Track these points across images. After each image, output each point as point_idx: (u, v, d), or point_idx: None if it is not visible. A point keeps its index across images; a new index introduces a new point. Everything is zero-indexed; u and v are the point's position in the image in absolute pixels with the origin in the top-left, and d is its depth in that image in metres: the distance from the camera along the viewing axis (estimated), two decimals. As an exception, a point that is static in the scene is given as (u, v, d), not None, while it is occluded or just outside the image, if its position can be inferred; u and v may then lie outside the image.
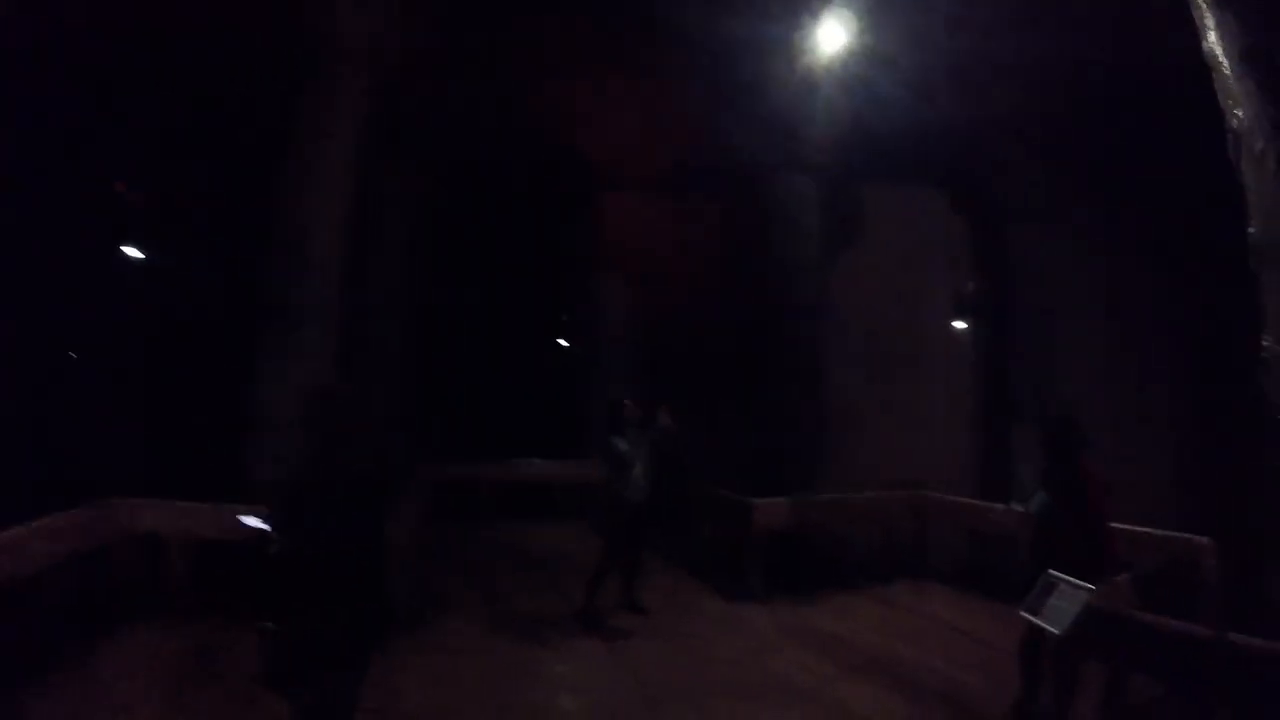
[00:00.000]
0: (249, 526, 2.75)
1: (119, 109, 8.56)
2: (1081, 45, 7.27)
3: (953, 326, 9.60)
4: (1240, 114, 3.98)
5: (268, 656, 2.61)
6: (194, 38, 7.57)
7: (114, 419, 9.39)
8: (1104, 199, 8.16)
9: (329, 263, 6.77)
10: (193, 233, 10.20)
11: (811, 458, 8.47)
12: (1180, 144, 5.21)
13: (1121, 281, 8.34)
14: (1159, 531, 5.22)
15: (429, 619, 6.03)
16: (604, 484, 6.25)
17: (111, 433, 9.20)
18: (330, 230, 6.78)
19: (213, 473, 6.23)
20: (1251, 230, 3.95)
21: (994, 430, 8.72)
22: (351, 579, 2.67)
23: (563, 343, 16.43)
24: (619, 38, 9.10)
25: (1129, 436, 7.12)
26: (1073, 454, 3.93)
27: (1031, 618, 3.53)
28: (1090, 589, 3.33)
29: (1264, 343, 3.76)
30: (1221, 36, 4.02)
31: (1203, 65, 4.15)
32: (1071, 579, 3.44)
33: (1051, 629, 3.39)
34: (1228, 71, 4.02)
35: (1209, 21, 4.09)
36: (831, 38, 7.68)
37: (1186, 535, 5.10)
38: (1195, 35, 4.19)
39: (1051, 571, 3.57)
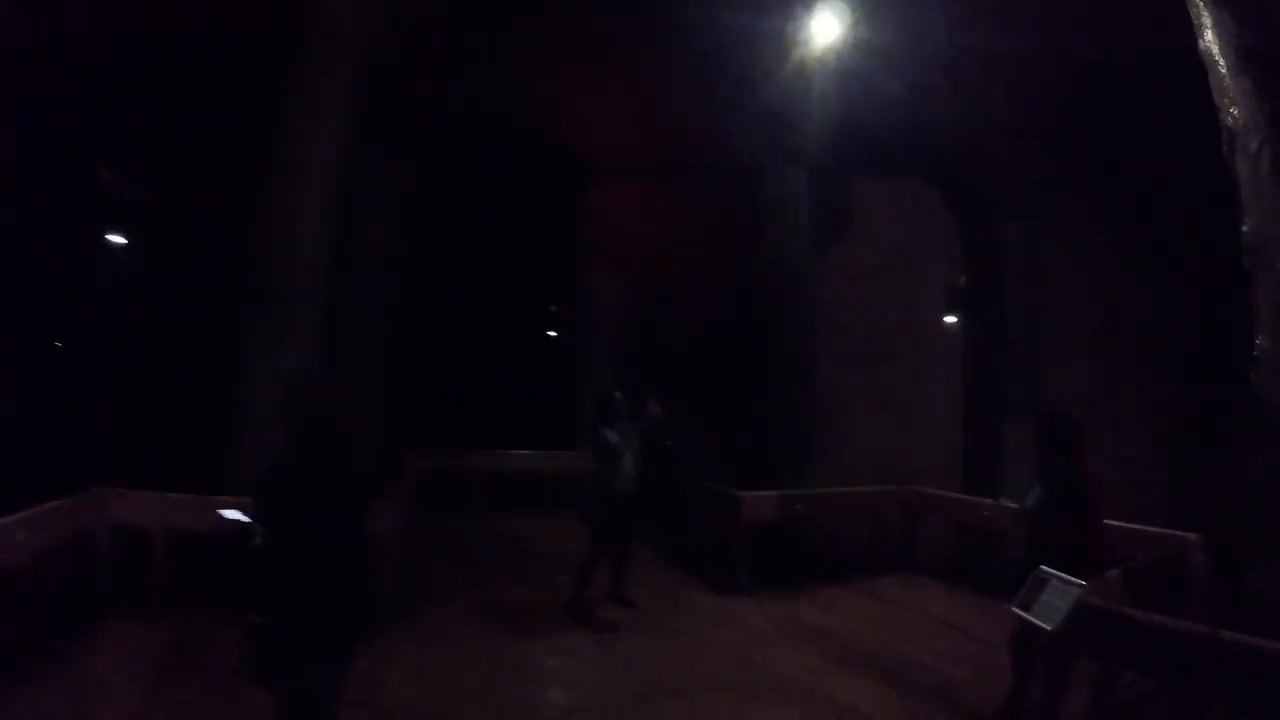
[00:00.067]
0: (228, 519, 2.71)
1: (100, 91, 8.40)
2: (1080, 44, 7.28)
3: (944, 322, 9.61)
4: (1235, 113, 3.99)
5: (250, 650, 2.58)
6: (179, 17, 7.43)
7: (96, 408, 9.27)
8: (1099, 196, 8.18)
9: (315, 250, 6.66)
10: (177, 218, 10.03)
11: (801, 451, 8.48)
12: (1178, 142, 5.22)
13: (1115, 280, 8.37)
14: (1149, 528, 5.25)
15: (415, 610, 5.98)
16: (593, 475, 6.22)
17: (94, 422, 9.08)
18: (317, 217, 6.67)
19: (198, 464, 6.14)
20: (1244, 229, 3.96)
21: (984, 426, 8.75)
22: (335, 571, 2.63)
23: (553, 334, 16.39)
24: (610, 29, 9.03)
25: (1121, 434, 7.16)
26: (1071, 450, 3.93)
27: (1023, 614, 3.53)
28: (1082, 585, 3.33)
29: (1257, 342, 3.78)
30: (1218, 36, 4.02)
31: (1199, 64, 4.16)
32: (1063, 575, 3.44)
33: (1043, 625, 3.39)
34: (1224, 70, 4.03)
35: (1206, 20, 4.09)
36: (825, 31, 7.63)
37: (1176, 532, 5.13)
38: (1192, 34, 4.20)
39: (1043, 567, 3.57)
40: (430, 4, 8.14)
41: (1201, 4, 4.09)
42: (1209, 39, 4.09)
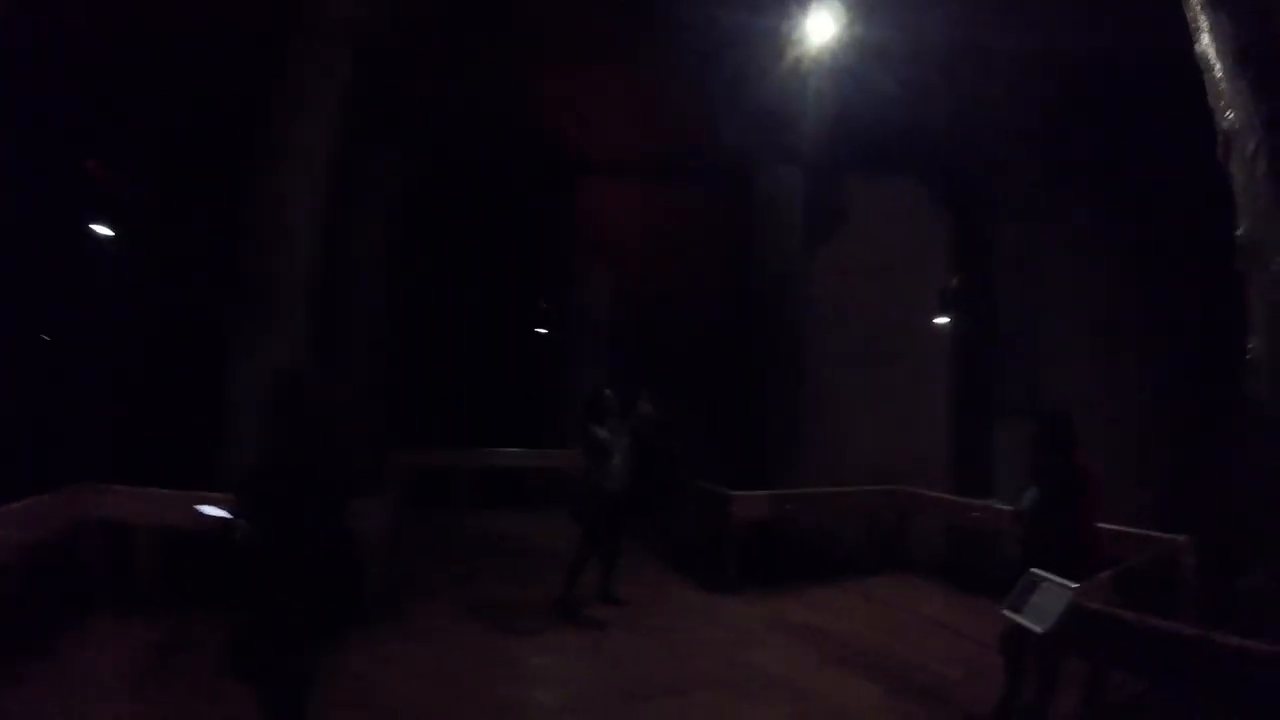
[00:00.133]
0: (210, 516, 2.68)
1: (99, 91, 8.32)
2: (1079, 43, 7.28)
3: (937, 322, 9.60)
4: (1231, 115, 3.98)
5: (235, 647, 2.57)
6: (178, 17, 7.35)
7: (87, 404, 9.18)
8: (1098, 196, 8.17)
9: (303, 248, 6.60)
10: (173, 216, 9.95)
11: (792, 450, 8.46)
12: (1178, 142, 5.21)
13: (1114, 280, 8.36)
14: (1140, 530, 5.25)
15: (403, 608, 5.95)
16: (583, 473, 6.19)
17: (84, 418, 9.00)
18: (307, 210, 6.61)
19: (189, 460, 6.08)
20: (1239, 231, 3.95)
21: (976, 426, 8.75)
22: (320, 567, 2.62)
23: (543, 331, 16.32)
24: (605, 26, 8.98)
25: (1120, 434, 7.17)
26: (1070, 451, 3.91)
27: (1014, 616, 3.52)
28: (1073, 587, 3.33)
29: (1250, 344, 3.77)
30: (1215, 38, 4.00)
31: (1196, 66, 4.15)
32: (1055, 577, 3.43)
33: (1034, 627, 3.38)
34: (1220, 73, 4.02)
35: (1203, 23, 4.08)
36: (821, 28, 7.61)
37: (1166, 534, 5.14)
38: (1189, 37, 4.19)
39: (1034, 570, 3.56)
40: (430, 4, 8.10)
41: (1198, 6, 4.08)
42: (1206, 41, 4.08)
